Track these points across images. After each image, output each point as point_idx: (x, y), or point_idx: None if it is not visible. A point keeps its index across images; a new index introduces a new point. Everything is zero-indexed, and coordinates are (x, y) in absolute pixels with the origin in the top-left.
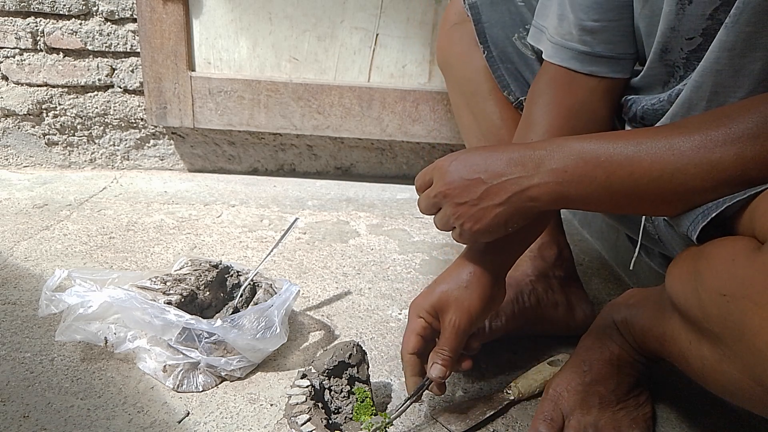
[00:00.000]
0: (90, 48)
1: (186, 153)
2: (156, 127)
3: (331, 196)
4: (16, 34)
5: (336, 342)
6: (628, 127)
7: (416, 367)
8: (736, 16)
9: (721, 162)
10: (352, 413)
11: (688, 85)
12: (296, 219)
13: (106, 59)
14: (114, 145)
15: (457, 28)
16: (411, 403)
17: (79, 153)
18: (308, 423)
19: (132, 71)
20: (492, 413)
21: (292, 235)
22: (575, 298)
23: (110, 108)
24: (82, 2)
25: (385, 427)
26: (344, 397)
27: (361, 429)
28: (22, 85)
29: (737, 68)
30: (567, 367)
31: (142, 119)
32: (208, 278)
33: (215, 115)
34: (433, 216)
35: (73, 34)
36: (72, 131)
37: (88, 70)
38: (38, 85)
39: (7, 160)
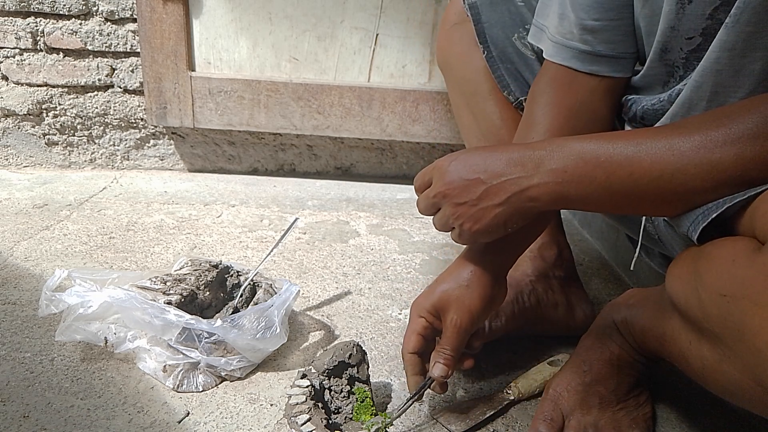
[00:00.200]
0: (90, 48)
1: (186, 153)
2: (156, 127)
3: (331, 196)
4: (16, 34)
5: (336, 342)
6: (628, 127)
7: (417, 366)
8: (737, 16)
9: (721, 162)
10: (352, 413)
11: (689, 85)
12: (296, 219)
13: (106, 59)
14: (114, 145)
15: (457, 28)
16: (413, 403)
17: (79, 153)
18: (308, 423)
19: (132, 71)
20: (492, 413)
21: (292, 235)
22: (575, 298)
23: (110, 108)
24: (82, 2)
25: (385, 427)
26: (344, 397)
27: (361, 429)
28: (22, 85)
29: (737, 68)
30: (567, 367)
31: (142, 119)
32: (208, 278)
33: (215, 115)
34: (432, 216)
35: (73, 34)
36: (72, 131)
37: (88, 70)
38: (38, 85)
39: (7, 160)
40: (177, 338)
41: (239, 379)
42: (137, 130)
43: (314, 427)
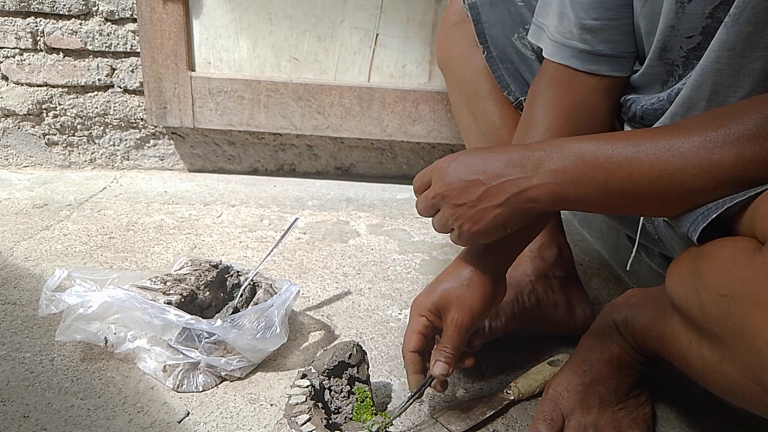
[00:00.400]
0: (90, 48)
1: (186, 153)
2: (156, 127)
3: (331, 196)
4: (16, 34)
5: (336, 342)
6: (627, 127)
7: (418, 365)
8: (736, 15)
9: (721, 163)
10: (352, 413)
11: (688, 84)
12: (296, 219)
13: (106, 59)
14: (114, 145)
15: (456, 28)
16: (413, 401)
17: (79, 153)
18: (308, 423)
19: (132, 71)
20: (492, 413)
21: (292, 235)
22: (575, 298)
23: (110, 108)
24: (82, 2)
25: (386, 427)
26: (344, 397)
27: (362, 428)
28: (22, 85)
29: (737, 68)
30: (567, 367)
31: (142, 119)
32: (208, 278)
33: (215, 115)
34: (432, 218)
35: (73, 34)
36: (72, 131)
37: (88, 70)
38: (38, 85)
39: (7, 160)
40: (177, 338)
41: (239, 379)
42: (137, 130)
43: (314, 427)
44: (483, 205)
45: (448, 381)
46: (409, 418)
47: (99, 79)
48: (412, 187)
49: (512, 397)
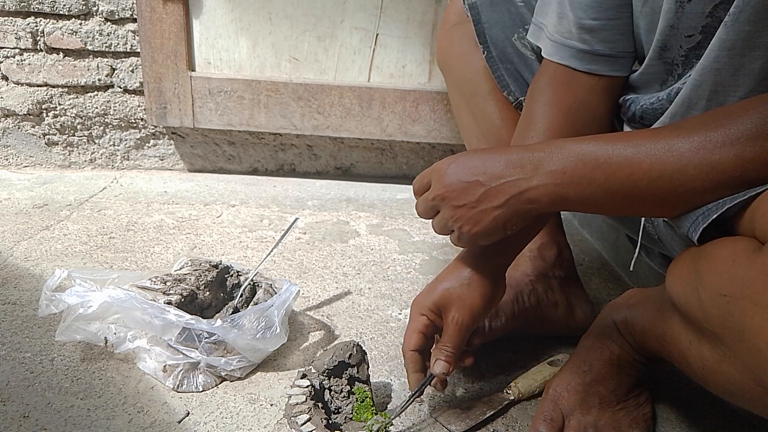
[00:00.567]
0: (90, 48)
1: (186, 153)
2: (156, 127)
3: (331, 196)
4: (16, 34)
5: (336, 342)
6: (627, 127)
7: (418, 364)
8: (736, 14)
9: (721, 163)
10: (352, 413)
11: (688, 83)
12: (296, 219)
13: (106, 59)
14: (114, 145)
15: (456, 28)
16: (414, 400)
17: (79, 153)
18: (308, 423)
19: (132, 71)
20: (492, 413)
21: (292, 235)
22: (575, 298)
23: (110, 108)
24: (82, 2)
25: (386, 427)
26: (344, 397)
27: (362, 429)
28: (22, 85)
29: (737, 67)
30: (567, 367)
31: (142, 119)
32: (208, 278)
33: (215, 115)
34: (431, 220)
35: (73, 34)
36: (72, 131)
37: (88, 70)
38: (38, 85)
39: (7, 160)
40: (177, 338)
41: (239, 379)
42: (137, 130)
43: (314, 427)
44: (483, 207)
45: (447, 380)
46: (409, 418)
47: (99, 79)
48: (411, 187)
49: (512, 397)
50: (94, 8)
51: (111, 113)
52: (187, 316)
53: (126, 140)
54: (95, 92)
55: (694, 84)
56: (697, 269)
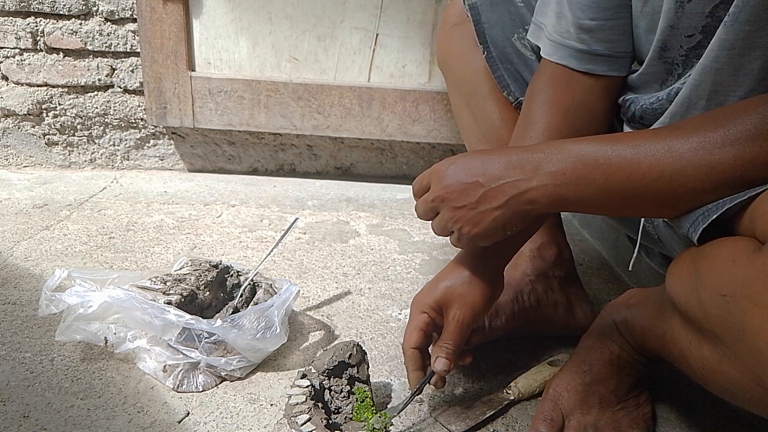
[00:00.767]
0: (90, 48)
1: (186, 153)
2: (156, 127)
3: (331, 196)
4: (16, 34)
5: (336, 342)
6: (627, 128)
7: (418, 361)
8: (736, 14)
9: (720, 163)
10: (352, 413)
11: (688, 83)
12: (296, 219)
13: (106, 59)
14: (114, 145)
15: (456, 28)
16: (414, 398)
17: (79, 153)
18: (308, 423)
19: (132, 71)
20: (492, 413)
21: (292, 235)
22: (575, 298)
23: (110, 108)
24: (82, 2)
25: (386, 427)
26: (344, 397)
27: (362, 428)
28: (22, 85)
29: (736, 67)
30: (567, 367)
31: (142, 119)
32: (208, 278)
33: (215, 115)
34: (431, 221)
35: (73, 34)
36: (72, 131)
37: (88, 70)
38: (38, 85)
39: (7, 160)
40: (177, 338)
41: (239, 379)
42: (137, 130)
43: (314, 427)
44: (482, 208)
45: (446, 378)
46: (409, 418)
47: (99, 79)
48: (411, 188)
49: (512, 397)
50: (94, 8)
51: (111, 113)
52: (187, 316)
53: (126, 140)
54: (95, 92)
55: (693, 84)
56: (697, 269)
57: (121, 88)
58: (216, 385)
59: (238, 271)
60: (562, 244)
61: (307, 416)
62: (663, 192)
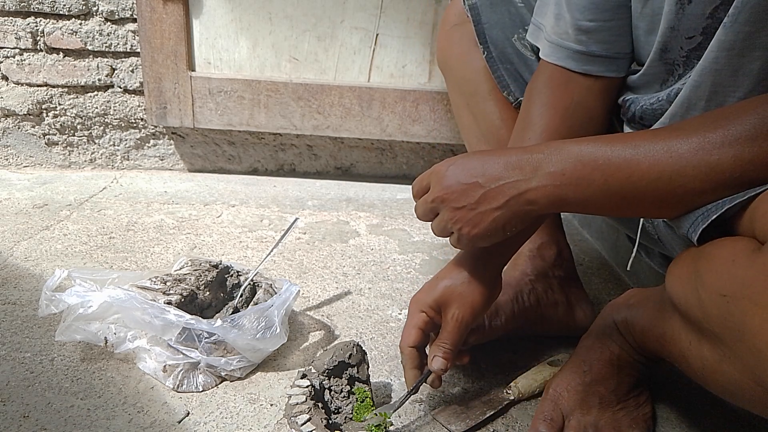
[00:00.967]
0: (90, 48)
1: (186, 153)
2: (156, 127)
3: (331, 196)
4: (16, 34)
5: (336, 342)
6: (627, 128)
7: (416, 360)
8: (735, 15)
9: (720, 164)
10: (352, 413)
11: (687, 84)
12: (296, 219)
13: (106, 59)
14: (114, 145)
15: (456, 28)
16: (411, 396)
17: (79, 153)
18: (308, 423)
19: (132, 71)
20: (492, 413)
21: (292, 235)
22: (575, 298)
23: (110, 108)
24: (82, 2)
25: (386, 427)
26: (344, 397)
27: (362, 428)
28: (22, 85)
29: (736, 68)
30: (567, 367)
31: (142, 119)
32: (208, 278)
33: (215, 115)
34: (431, 222)
35: (73, 34)
36: (72, 131)
37: (88, 70)
38: (38, 85)
39: (7, 160)
40: (177, 338)
41: (239, 379)
42: (137, 130)
43: (314, 427)
44: (482, 208)
45: (442, 377)
46: (409, 418)
47: (99, 79)
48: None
49: (512, 397)
50: (94, 8)
51: (111, 113)
52: (187, 316)
53: (126, 140)
54: (95, 92)
55: (693, 85)
56: (697, 269)
57: (121, 88)
58: (216, 385)
59: (238, 271)
60: (562, 244)
61: (307, 416)
62: (662, 192)
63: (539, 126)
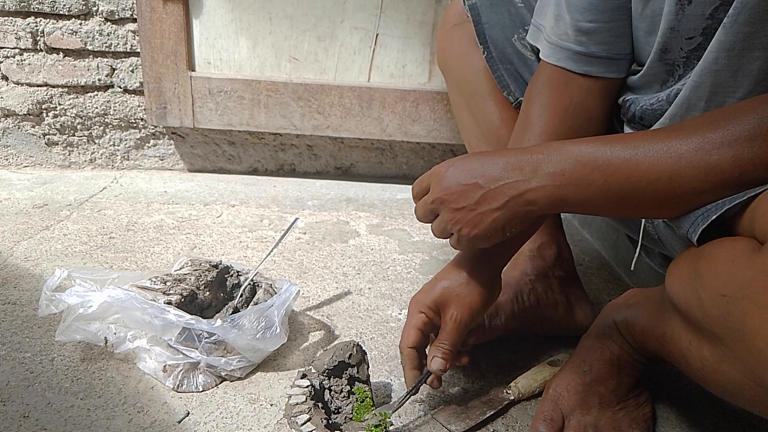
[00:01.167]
0: (90, 48)
1: (186, 153)
2: (156, 127)
3: (331, 196)
4: (16, 34)
5: (336, 342)
6: (627, 128)
7: (415, 361)
8: (735, 16)
9: (719, 164)
10: (352, 413)
11: (687, 85)
12: (296, 219)
13: (106, 59)
14: (114, 145)
15: (456, 28)
16: (410, 397)
17: (79, 153)
18: (308, 423)
19: (132, 71)
20: (492, 413)
21: (292, 235)
22: (575, 298)
23: (110, 108)
24: (82, 2)
25: (386, 427)
26: (344, 397)
27: (361, 428)
28: (22, 85)
29: (736, 68)
30: (567, 367)
31: (142, 119)
32: (208, 278)
33: (215, 115)
34: (431, 223)
35: (73, 34)
36: (72, 131)
37: (88, 70)
38: (38, 85)
39: (7, 160)
40: (177, 338)
41: (239, 379)
42: (137, 130)
43: (314, 427)
44: (482, 209)
45: (442, 378)
46: (409, 418)
47: (99, 79)
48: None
49: (512, 397)
50: (94, 8)
51: (111, 113)
52: (187, 316)
53: (126, 140)
54: (95, 92)
55: (693, 85)
56: (697, 269)
57: (121, 88)
58: (216, 385)
59: (238, 271)
60: (562, 244)
61: (307, 416)
62: (662, 192)
63: (539, 127)
